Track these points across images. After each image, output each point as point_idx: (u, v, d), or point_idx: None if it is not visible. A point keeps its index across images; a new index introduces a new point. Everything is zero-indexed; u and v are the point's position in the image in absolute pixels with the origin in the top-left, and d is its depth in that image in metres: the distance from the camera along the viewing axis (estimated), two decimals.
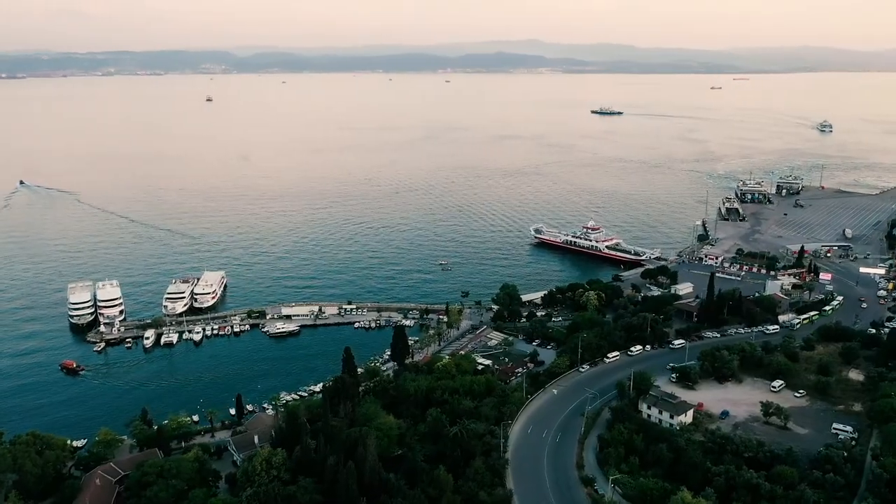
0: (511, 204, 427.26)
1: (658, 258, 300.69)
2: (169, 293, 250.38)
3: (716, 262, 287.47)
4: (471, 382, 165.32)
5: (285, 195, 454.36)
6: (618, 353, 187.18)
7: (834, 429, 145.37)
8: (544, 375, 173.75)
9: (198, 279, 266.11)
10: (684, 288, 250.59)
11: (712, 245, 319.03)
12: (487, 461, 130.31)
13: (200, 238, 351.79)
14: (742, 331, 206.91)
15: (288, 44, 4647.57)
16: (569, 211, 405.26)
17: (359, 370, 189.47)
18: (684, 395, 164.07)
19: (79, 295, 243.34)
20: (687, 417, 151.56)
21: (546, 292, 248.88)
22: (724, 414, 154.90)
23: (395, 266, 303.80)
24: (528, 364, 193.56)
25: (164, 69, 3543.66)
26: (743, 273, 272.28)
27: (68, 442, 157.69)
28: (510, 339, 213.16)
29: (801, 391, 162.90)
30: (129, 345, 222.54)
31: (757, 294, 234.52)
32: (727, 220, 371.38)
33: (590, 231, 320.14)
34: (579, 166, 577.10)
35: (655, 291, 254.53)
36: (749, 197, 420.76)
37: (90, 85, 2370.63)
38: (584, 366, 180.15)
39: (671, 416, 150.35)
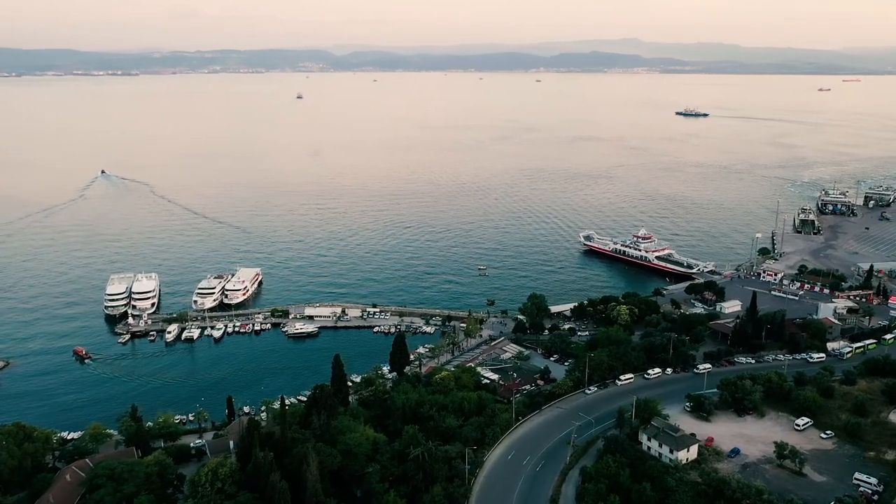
0: (569, 209, 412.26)
1: (711, 272, 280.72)
2: (200, 288, 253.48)
3: (774, 279, 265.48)
4: (461, 399, 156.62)
5: (344, 194, 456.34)
6: (632, 375, 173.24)
7: (855, 479, 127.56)
8: (541, 396, 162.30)
9: (232, 275, 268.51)
10: (731, 306, 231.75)
11: (776, 260, 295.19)
12: (448, 488, 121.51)
13: (253, 233, 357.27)
14: (782, 357, 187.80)
15: (384, 43, 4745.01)
16: (628, 217, 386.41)
17: (357, 378, 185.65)
18: (696, 427, 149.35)
19: (115, 286, 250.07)
20: (690, 453, 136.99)
21: (576, 304, 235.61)
22: (734, 452, 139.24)
23: (432, 269, 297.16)
24: (538, 381, 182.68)
25: (266, 67, 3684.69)
26: (802, 292, 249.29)
27: (60, 434, 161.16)
28: (525, 352, 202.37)
29: (828, 432, 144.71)
30: (152, 338, 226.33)
31: (810, 316, 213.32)
32: (800, 232, 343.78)
33: (640, 240, 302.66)
34: (652, 170, 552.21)
35: (699, 308, 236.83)
36: (830, 208, 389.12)
37: (194, 82, 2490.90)
38: (592, 387, 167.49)
39: (671, 451, 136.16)
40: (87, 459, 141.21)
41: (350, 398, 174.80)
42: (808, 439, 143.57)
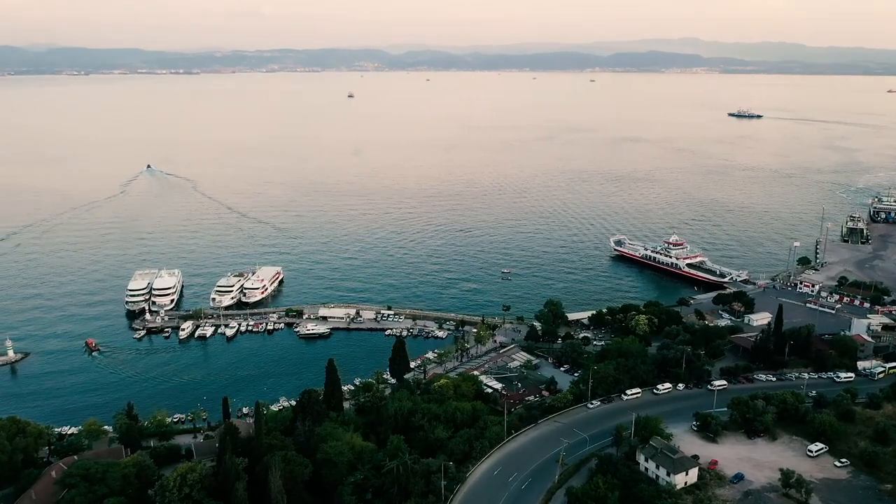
0: (604, 212, 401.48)
1: (745, 281, 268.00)
2: (219, 286, 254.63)
3: (811, 291, 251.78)
4: (454, 409, 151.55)
5: (377, 193, 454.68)
6: (639, 390, 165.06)
7: None
8: (538, 409, 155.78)
9: (252, 273, 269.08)
10: (760, 318, 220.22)
11: (816, 270, 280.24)
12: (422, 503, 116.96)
13: (283, 231, 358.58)
14: (806, 376, 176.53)
15: (439, 42, 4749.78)
16: (664, 222, 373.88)
17: (357, 382, 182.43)
18: (702, 448, 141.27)
19: (137, 282, 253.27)
20: (689, 476, 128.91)
21: (594, 312, 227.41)
22: (738, 477, 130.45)
23: (454, 272, 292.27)
24: (543, 392, 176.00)
25: (322, 66, 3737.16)
26: (839, 306, 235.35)
27: (57, 429, 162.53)
28: (535, 361, 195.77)
29: (843, 460, 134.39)
30: (167, 334, 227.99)
31: (841, 333, 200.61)
32: (847, 241, 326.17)
33: (671, 246, 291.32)
34: (697, 173, 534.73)
35: (725, 320, 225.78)
36: (883, 215, 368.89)
37: (251, 81, 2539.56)
38: (595, 401, 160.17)
39: (668, 474, 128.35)
40: (75, 456, 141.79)
41: (348, 403, 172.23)
42: (821, 467, 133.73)
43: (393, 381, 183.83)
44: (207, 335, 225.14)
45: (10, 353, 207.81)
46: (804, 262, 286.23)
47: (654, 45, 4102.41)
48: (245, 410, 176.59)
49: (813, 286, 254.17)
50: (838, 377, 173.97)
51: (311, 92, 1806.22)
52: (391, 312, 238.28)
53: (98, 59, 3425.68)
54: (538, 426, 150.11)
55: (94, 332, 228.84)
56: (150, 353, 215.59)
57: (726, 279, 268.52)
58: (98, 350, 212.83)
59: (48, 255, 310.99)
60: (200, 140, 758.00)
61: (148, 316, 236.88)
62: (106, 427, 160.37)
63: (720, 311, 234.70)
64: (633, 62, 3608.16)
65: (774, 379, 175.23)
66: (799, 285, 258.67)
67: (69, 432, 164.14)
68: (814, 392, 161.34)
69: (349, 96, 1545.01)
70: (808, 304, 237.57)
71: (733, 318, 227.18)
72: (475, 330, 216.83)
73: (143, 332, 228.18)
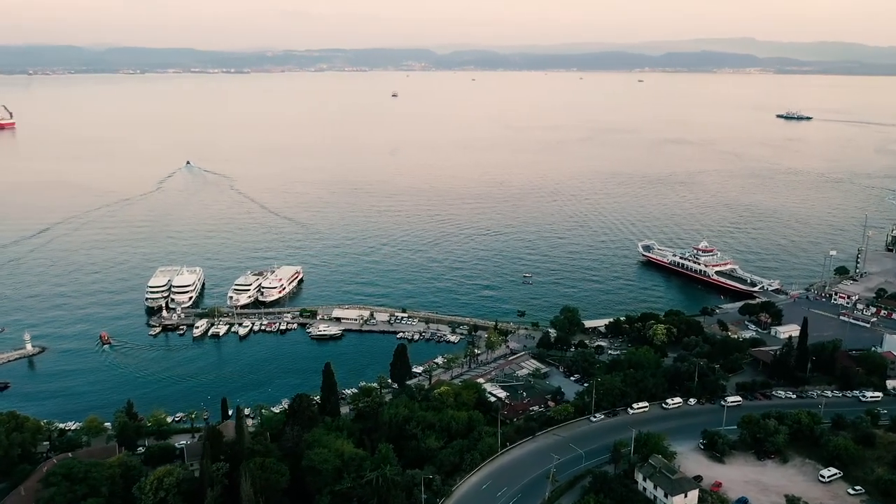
0: (637, 216, 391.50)
1: (777, 290, 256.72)
2: (237, 284, 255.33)
3: (846, 303, 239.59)
4: (450, 418, 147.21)
5: (408, 194, 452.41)
6: (647, 404, 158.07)
7: None
8: (536, 420, 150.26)
9: (271, 272, 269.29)
10: (787, 331, 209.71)
11: (854, 280, 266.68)
12: None
13: (311, 230, 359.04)
14: (829, 394, 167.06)
15: (486, 42, 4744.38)
16: (698, 227, 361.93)
17: (357, 387, 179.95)
18: (707, 468, 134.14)
19: (157, 279, 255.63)
20: (688, 499, 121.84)
21: (611, 320, 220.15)
22: (741, 501, 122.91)
23: (475, 275, 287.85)
24: (549, 402, 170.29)
25: (370, 66, 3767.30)
26: (874, 319, 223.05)
27: (59, 424, 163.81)
28: (544, 370, 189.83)
29: (857, 487, 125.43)
30: (181, 331, 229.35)
31: (873, 348, 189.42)
32: (891, 250, 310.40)
33: (700, 253, 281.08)
34: (739, 177, 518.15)
35: (750, 332, 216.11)
36: None
37: (299, 80, 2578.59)
38: (599, 415, 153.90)
39: (665, 495, 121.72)
40: (69, 454, 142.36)
41: (347, 408, 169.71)
42: (833, 494, 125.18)
43: (395, 386, 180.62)
44: (220, 334, 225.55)
45: (29, 346, 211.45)
46: (842, 271, 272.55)
47: (706, 44, 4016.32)
48: (247, 412, 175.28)
49: (849, 298, 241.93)
50: (864, 396, 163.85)
51: (357, 91, 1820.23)
52: (405, 315, 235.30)
53: (154, 58, 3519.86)
54: (535, 439, 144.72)
55: (113, 327, 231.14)
56: (163, 351, 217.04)
57: (756, 288, 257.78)
58: (110, 343, 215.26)
59: (77, 251, 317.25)
60: (241, 138, 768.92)
61: (165, 313, 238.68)
62: (107, 424, 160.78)
63: (746, 322, 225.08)
64: (684, 62, 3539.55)
65: (794, 396, 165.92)
66: (834, 296, 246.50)
67: (73, 427, 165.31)
68: (835, 412, 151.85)
69: (393, 96, 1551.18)
70: (841, 317, 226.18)
71: (759, 330, 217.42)
72: (486, 335, 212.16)
73: (158, 329, 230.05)
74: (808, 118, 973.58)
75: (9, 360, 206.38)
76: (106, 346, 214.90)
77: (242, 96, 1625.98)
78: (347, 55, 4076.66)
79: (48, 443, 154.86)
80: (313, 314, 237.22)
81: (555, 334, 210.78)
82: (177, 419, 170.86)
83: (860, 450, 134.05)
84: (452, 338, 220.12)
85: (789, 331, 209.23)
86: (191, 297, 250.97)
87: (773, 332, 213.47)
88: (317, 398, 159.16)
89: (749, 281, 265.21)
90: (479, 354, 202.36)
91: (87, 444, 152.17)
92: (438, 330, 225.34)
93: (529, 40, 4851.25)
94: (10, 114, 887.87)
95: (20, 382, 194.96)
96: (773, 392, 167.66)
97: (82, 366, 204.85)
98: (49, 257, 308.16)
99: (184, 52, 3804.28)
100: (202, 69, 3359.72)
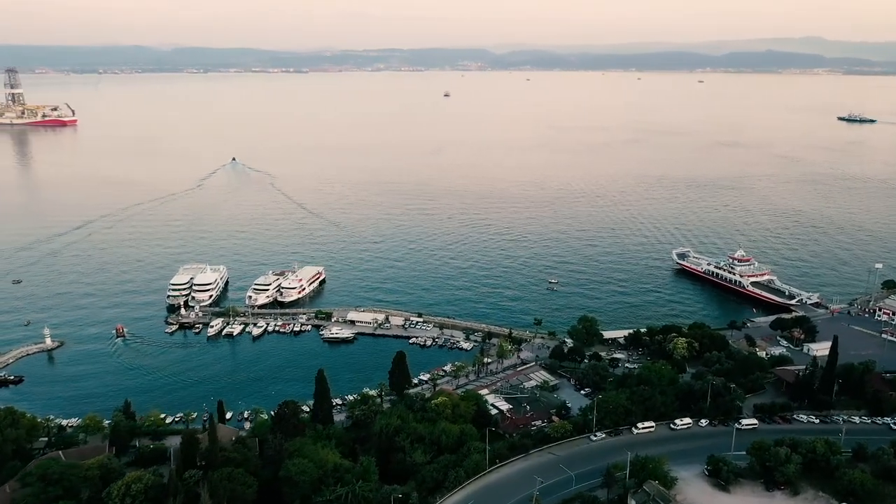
0: (676, 221, 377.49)
1: (816, 304, 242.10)
2: (256, 284, 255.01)
3: (891, 319, 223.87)
4: (440, 431, 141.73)
5: (443, 195, 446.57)
6: (653, 424, 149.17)
7: None
8: (531, 437, 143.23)
9: (293, 272, 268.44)
10: (821, 348, 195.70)
11: None
12: None
13: (344, 230, 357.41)
14: (857, 420, 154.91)
15: (543, 42, 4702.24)
16: (740, 234, 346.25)
17: (371, 392, 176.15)
18: (710, 497, 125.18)
19: (179, 277, 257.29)
20: None
21: (631, 331, 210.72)
22: None
23: (498, 280, 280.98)
24: (553, 417, 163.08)
25: (426, 66, 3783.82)
26: None
27: (59, 421, 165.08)
28: (553, 382, 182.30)
29: None
30: (197, 330, 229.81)
31: None
32: None
33: (736, 262, 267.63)
34: (793, 182, 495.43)
35: (781, 348, 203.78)
36: None
37: (356, 79, 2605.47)
38: (600, 433, 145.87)
39: None
40: (60, 452, 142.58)
41: (343, 416, 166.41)
42: None
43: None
44: (234, 333, 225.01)
45: (48, 340, 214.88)
46: (890, 285, 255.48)
47: (772, 44, 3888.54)
48: (245, 414, 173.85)
49: (893, 314, 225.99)
50: None
51: (410, 91, 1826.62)
52: (420, 320, 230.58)
53: (217, 58, 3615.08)
54: (528, 457, 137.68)
55: (134, 324, 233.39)
56: (176, 349, 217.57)
57: (794, 301, 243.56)
58: (124, 336, 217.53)
59: (110, 247, 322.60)
60: (291, 136, 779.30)
61: (183, 311, 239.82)
62: (107, 422, 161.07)
63: (778, 338, 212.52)
64: (748, 62, 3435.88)
65: (817, 421, 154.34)
66: (878, 312, 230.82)
67: (75, 424, 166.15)
68: (860, 440, 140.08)
69: (445, 95, 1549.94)
70: (883, 335, 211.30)
71: (791, 347, 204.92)
72: (504, 343, 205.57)
73: (175, 327, 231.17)
74: (872, 121, 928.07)
75: (28, 354, 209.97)
76: (119, 339, 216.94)
77: (299, 95, 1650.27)
78: (404, 55, 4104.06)
79: (46, 439, 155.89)
80: (328, 316, 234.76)
81: (570, 344, 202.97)
82: (176, 419, 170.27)
83: (879, 485, 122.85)
84: (465, 345, 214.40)
85: (823, 348, 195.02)
86: (211, 296, 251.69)
87: (805, 350, 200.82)
88: (309, 405, 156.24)
89: (787, 293, 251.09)
90: (489, 363, 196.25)
91: (83, 442, 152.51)
92: (452, 336, 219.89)
93: (588, 39, 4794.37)
94: (73, 111, 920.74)
95: (35, 376, 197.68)
96: (794, 415, 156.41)
97: (96, 361, 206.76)
98: (83, 252, 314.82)
99: (245, 51, 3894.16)
100: (262, 69, 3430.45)
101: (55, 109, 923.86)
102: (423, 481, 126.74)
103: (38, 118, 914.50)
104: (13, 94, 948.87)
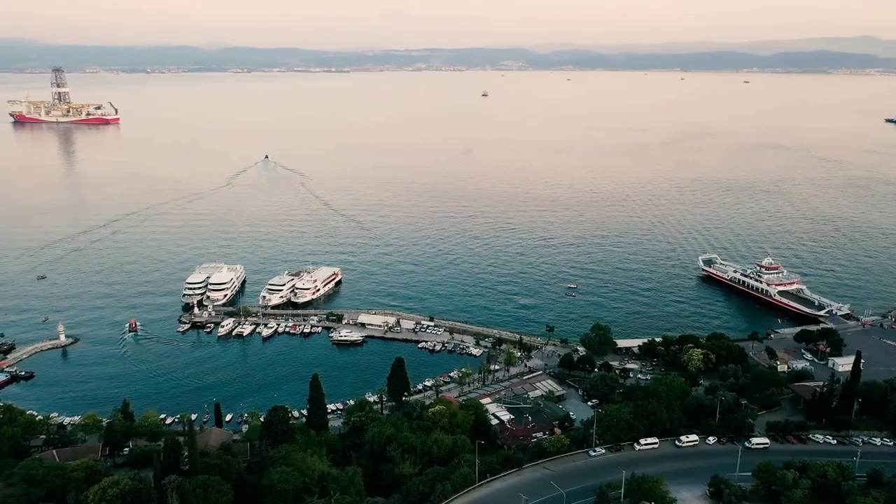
0: (706, 226, 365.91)
1: (847, 316, 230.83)
2: (270, 284, 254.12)
3: None
4: (432, 442, 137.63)
5: (470, 196, 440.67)
6: (657, 440, 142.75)
7: None
8: (526, 451, 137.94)
9: (309, 272, 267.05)
10: (847, 363, 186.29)
11: None
12: None
13: (369, 231, 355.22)
14: (878, 442, 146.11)
15: (587, 41, 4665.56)
16: (772, 241, 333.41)
17: (371, 397, 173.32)
18: None
19: (196, 276, 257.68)
20: None
21: (645, 341, 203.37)
22: None
23: (516, 285, 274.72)
24: (556, 429, 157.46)
25: (467, 65, 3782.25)
26: None
27: (58, 418, 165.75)
28: (560, 392, 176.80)
29: None
30: (208, 329, 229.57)
31: None
32: None
33: (764, 270, 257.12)
34: (832, 186, 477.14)
35: (804, 362, 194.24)
36: None
37: (397, 79, 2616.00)
38: (599, 449, 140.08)
39: None
40: (54, 451, 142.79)
41: (339, 422, 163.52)
42: None
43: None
44: (245, 334, 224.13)
45: (62, 337, 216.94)
46: None
47: (824, 43, 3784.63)
48: (244, 416, 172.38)
49: None
50: None
51: (449, 91, 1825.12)
52: (431, 324, 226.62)
53: (261, 57, 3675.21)
54: (521, 472, 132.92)
55: (148, 320, 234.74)
56: (186, 348, 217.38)
57: (823, 312, 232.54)
58: (135, 331, 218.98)
59: (134, 244, 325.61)
60: (327, 135, 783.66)
61: (196, 310, 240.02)
62: (106, 421, 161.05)
63: (802, 351, 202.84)
64: (798, 62, 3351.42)
65: (834, 442, 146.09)
66: None
67: (76, 422, 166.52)
68: (878, 465, 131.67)
69: (483, 95, 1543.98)
70: None
71: (815, 361, 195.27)
72: (512, 349, 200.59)
73: (187, 326, 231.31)
74: None
75: (42, 350, 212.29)
76: (130, 335, 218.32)
77: (339, 94, 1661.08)
78: (446, 55, 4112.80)
79: (45, 437, 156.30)
80: (339, 318, 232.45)
81: (582, 353, 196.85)
82: (176, 419, 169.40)
83: None
84: (475, 350, 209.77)
85: (849, 363, 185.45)
86: (226, 295, 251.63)
87: (830, 364, 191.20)
88: (304, 411, 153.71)
89: (816, 304, 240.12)
90: (496, 370, 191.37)
91: (82, 441, 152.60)
92: (462, 341, 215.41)
93: (632, 39, 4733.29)
94: (116, 110, 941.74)
95: (46, 373, 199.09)
96: (810, 435, 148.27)
97: (107, 359, 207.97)
98: (108, 249, 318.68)
99: (288, 51, 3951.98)
100: (305, 68, 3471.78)
101: (99, 108, 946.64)
102: (408, 494, 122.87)
103: (83, 116, 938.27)
104: (59, 92, 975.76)
